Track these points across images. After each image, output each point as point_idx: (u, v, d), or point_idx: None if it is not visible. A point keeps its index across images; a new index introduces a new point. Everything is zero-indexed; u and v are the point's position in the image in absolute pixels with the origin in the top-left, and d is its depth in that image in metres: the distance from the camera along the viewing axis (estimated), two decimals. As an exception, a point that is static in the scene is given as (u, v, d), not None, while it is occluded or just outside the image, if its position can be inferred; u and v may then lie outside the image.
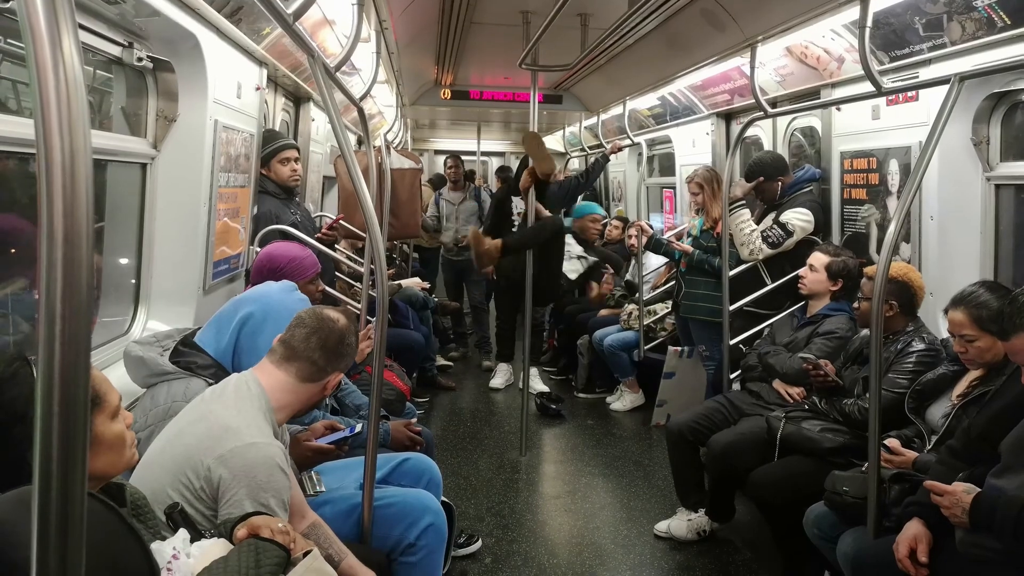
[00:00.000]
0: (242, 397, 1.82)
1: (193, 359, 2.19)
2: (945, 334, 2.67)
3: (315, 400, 1.97)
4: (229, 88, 3.08)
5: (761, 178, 4.05)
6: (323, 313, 1.97)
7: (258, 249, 3.40)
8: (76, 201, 0.62)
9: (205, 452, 1.70)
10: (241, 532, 1.39)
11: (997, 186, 3.02)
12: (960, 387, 2.54)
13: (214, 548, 1.34)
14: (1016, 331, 1.92)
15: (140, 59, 2.58)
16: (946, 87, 2.34)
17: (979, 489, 1.98)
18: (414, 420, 3.26)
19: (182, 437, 1.77)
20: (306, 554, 1.40)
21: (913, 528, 2.12)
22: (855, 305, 3.17)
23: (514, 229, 5.90)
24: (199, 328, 2.32)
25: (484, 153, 11.61)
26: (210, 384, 2.09)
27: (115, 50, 2.52)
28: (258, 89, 3.43)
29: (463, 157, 7.63)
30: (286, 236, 3.48)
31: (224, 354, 2.22)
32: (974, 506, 1.94)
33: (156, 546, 1.30)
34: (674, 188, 6.48)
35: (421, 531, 2.27)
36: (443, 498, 2.59)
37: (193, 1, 2.49)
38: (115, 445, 1.33)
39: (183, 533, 1.36)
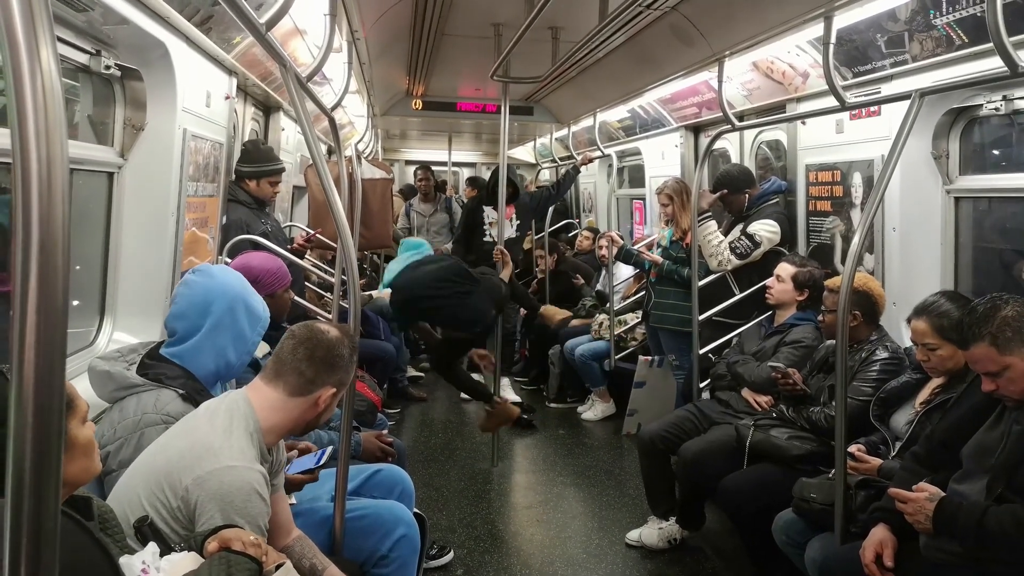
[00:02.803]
0: (232, 416, 1.79)
1: (162, 371, 2.16)
2: (908, 343, 2.74)
3: (308, 418, 1.90)
4: (198, 97, 3.05)
5: (725, 190, 4.12)
6: (313, 325, 1.93)
7: (227, 259, 3.37)
8: (52, 209, 0.61)
9: (184, 471, 1.67)
10: (212, 545, 1.38)
11: (956, 199, 3.11)
12: (923, 394, 2.60)
13: (184, 562, 1.32)
14: (975, 340, 1.97)
15: (108, 67, 2.55)
16: (907, 102, 2.40)
17: (943, 494, 2.03)
18: (386, 431, 3.25)
19: (166, 450, 1.75)
20: (279, 567, 1.39)
21: (879, 533, 2.16)
22: (819, 318, 3.23)
23: (485, 239, 5.93)
24: (163, 341, 2.28)
25: (455, 164, 11.62)
26: (180, 394, 2.06)
27: (82, 58, 2.48)
28: (228, 98, 3.40)
29: (434, 168, 7.63)
30: (257, 246, 3.45)
31: (197, 353, 2.18)
32: (937, 511, 1.98)
33: (125, 560, 1.28)
34: (644, 199, 6.55)
35: (394, 543, 2.25)
36: (415, 509, 2.57)
37: (163, 9, 2.47)
38: (87, 450, 1.32)
39: (152, 547, 1.34)
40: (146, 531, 1.37)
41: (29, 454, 0.62)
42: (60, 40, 2.32)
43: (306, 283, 4.47)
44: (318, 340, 1.87)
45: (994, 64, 2.16)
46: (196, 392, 2.09)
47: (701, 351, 4.01)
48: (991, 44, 2.02)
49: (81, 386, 2.22)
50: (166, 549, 1.36)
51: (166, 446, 1.76)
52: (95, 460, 1.35)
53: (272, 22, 1.85)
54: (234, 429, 1.77)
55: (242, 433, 1.77)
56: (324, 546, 2.13)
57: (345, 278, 2.95)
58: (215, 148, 3.32)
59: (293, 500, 2.23)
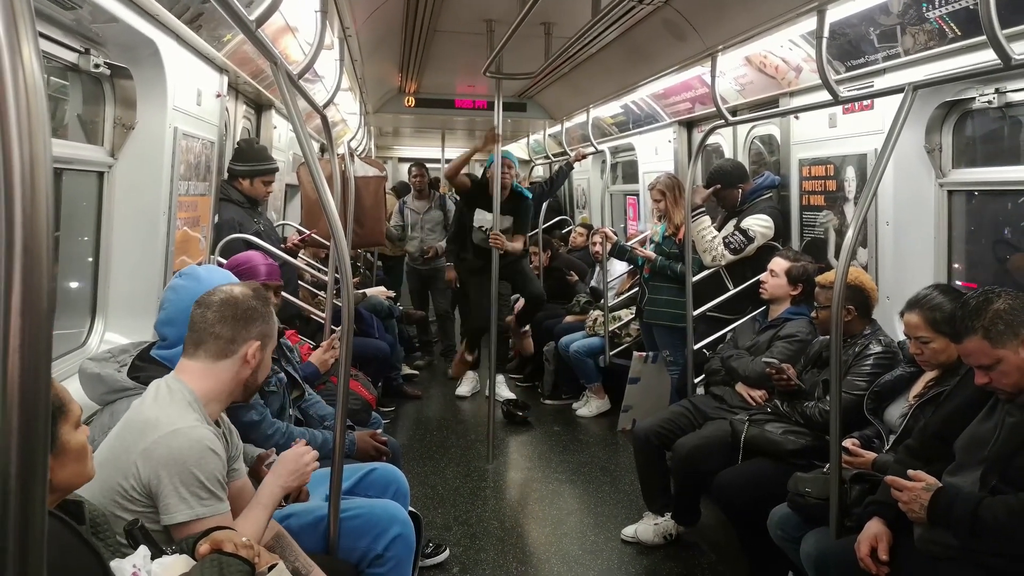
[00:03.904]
0: (161, 395, 1.78)
1: (153, 373, 2.14)
2: (901, 336, 2.74)
3: (243, 377, 1.87)
4: (189, 95, 3.03)
5: (718, 185, 4.12)
6: (216, 288, 1.90)
7: (220, 259, 3.35)
8: (36, 210, 0.60)
9: (129, 451, 1.66)
10: (203, 547, 1.37)
11: (950, 192, 3.11)
12: (916, 388, 2.60)
13: (176, 564, 1.31)
14: (967, 334, 1.97)
15: (97, 66, 2.53)
16: (900, 96, 2.40)
17: (940, 484, 2.03)
18: (380, 430, 3.24)
19: (109, 443, 1.74)
20: (271, 568, 1.38)
21: (873, 527, 2.16)
22: (813, 314, 3.23)
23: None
24: (155, 342, 2.26)
25: (448, 161, 11.58)
26: None
27: (71, 56, 2.46)
28: (219, 96, 3.38)
29: (427, 165, 7.61)
30: (250, 245, 3.43)
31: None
32: (932, 502, 1.99)
33: (116, 564, 1.27)
34: (637, 195, 6.54)
35: (389, 542, 2.24)
36: (410, 508, 2.57)
37: (152, 7, 2.45)
38: (80, 455, 1.31)
39: (144, 550, 1.33)
40: (137, 534, 1.36)
41: (15, 458, 0.61)
42: (48, 38, 2.31)
43: (300, 282, 4.46)
44: (224, 300, 1.85)
45: (987, 57, 2.16)
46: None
47: (695, 346, 4.01)
48: (984, 37, 2.02)
49: (72, 388, 2.21)
50: (157, 552, 1.35)
51: (110, 441, 1.75)
52: (88, 465, 1.34)
53: (262, 19, 1.84)
54: (171, 401, 1.76)
55: (178, 402, 1.76)
56: (318, 546, 2.13)
57: (338, 276, 2.95)
58: (206, 146, 3.30)
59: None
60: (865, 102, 3.27)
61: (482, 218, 5.15)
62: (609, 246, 4.86)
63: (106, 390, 2.09)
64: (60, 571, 1.09)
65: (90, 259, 2.86)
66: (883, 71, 3.08)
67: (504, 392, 5.62)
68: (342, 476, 2.17)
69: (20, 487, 0.61)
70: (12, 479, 0.61)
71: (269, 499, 1.88)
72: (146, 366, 2.16)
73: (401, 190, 7.73)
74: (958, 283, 3.04)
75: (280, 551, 1.78)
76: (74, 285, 2.86)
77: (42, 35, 2.26)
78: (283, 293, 3.32)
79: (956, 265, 3.16)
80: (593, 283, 6.12)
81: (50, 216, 0.61)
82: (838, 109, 3.45)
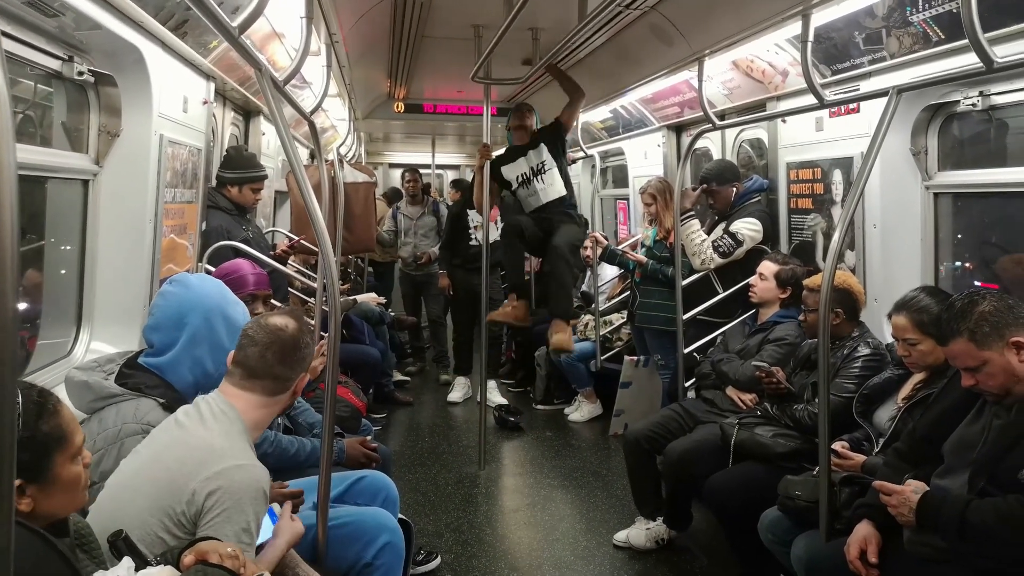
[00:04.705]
0: (220, 421, 1.80)
1: (141, 380, 2.13)
2: (889, 339, 2.75)
3: (286, 405, 1.98)
4: (175, 102, 3.02)
5: (712, 183, 4.11)
6: (270, 324, 1.91)
7: (207, 266, 3.34)
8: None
9: (190, 476, 1.66)
10: (188, 559, 1.35)
11: (936, 194, 3.12)
12: (905, 390, 2.61)
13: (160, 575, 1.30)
14: (953, 336, 1.97)
15: (81, 73, 2.52)
16: (885, 99, 2.41)
17: (928, 488, 2.03)
18: (370, 437, 3.22)
19: (161, 462, 1.73)
20: (257, 578, 1.36)
21: (863, 530, 2.16)
22: (801, 317, 3.24)
23: (471, 243, 5.91)
24: (142, 351, 2.25)
25: (439, 166, 11.58)
26: (160, 403, 2.04)
27: (55, 64, 2.45)
28: (205, 103, 3.37)
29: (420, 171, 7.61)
30: (238, 253, 3.42)
31: (176, 366, 2.17)
32: (921, 505, 1.99)
33: (100, 575, 1.25)
34: (627, 199, 6.55)
35: (378, 550, 2.23)
36: (400, 515, 2.55)
37: (136, 14, 2.44)
38: (70, 487, 1.30)
39: (127, 562, 1.31)
40: (120, 546, 1.34)
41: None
42: (31, 46, 2.29)
43: (289, 289, 4.44)
44: (283, 341, 1.88)
45: (970, 60, 2.17)
46: (175, 402, 2.06)
47: (686, 350, 4.01)
48: (967, 40, 2.03)
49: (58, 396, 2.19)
50: (141, 564, 1.33)
51: (160, 457, 1.74)
52: (78, 497, 1.34)
53: (245, 25, 1.83)
54: (231, 432, 1.79)
55: (238, 434, 1.80)
56: (307, 555, 2.10)
57: (327, 282, 2.93)
58: (193, 153, 3.28)
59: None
60: (851, 105, 3.28)
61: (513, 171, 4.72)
62: (600, 250, 4.86)
63: (93, 397, 2.08)
64: None
65: (75, 268, 2.83)
66: (868, 75, 3.09)
67: (496, 398, 5.61)
68: (330, 484, 2.15)
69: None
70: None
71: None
72: (134, 373, 2.15)
73: (392, 196, 7.71)
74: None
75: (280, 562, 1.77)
76: (59, 294, 2.84)
77: (25, 43, 2.25)
78: (272, 300, 3.30)
79: (947, 264, 3.17)
80: (584, 287, 6.12)
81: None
82: (825, 113, 3.46)
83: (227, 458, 1.69)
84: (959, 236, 3.12)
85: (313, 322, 3.88)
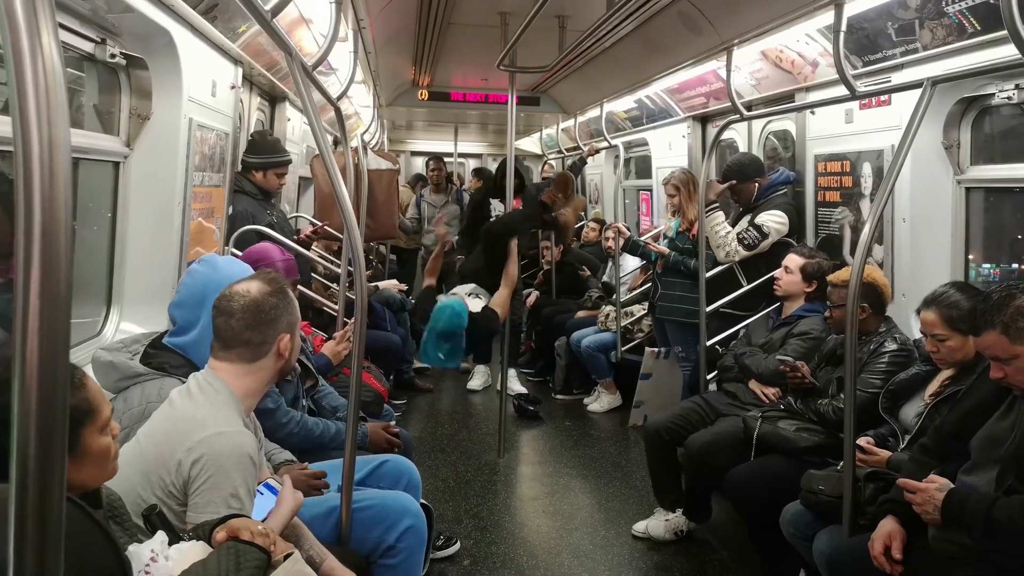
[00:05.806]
0: (206, 392, 1.81)
1: (165, 359, 2.17)
2: (917, 334, 2.72)
3: (278, 367, 1.91)
4: (204, 86, 3.04)
5: (734, 181, 4.08)
6: (233, 291, 1.88)
7: (234, 250, 3.37)
8: (55, 196, 0.61)
9: (175, 446, 1.68)
10: (220, 535, 1.37)
11: (967, 189, 3.07)
12: (932, 386, 2.58)
13: (193, 551, 1.32)
14: (987, 328, 1.95)
15: (113, 56, 2.55)
16: (918, 91, 2.38)
17: (952, 485, 2.01)
18: (392, 422, 3.24)
19: (151, 436, 1.76)
20: (287, 556, 1.38)
21: (887, 526, 2.14)
22: (827, 313, 3.20)
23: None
24: (166, 331, 2.28)
25: (461, 155, 11.59)
26: (183, 383, 2.07)
27: (87, 46, 2.48)
28: (233, 87, 3.39)
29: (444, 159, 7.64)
30: (263, 237, 3.44)
31: (199, 346, 2.19)
32: (946, 503, 1.97)
33: (133, 548, 1.27)
34: (651, 190, 6.52)
35: (400, 533, 2.25)
36: (422, 500, 2.57)
37: (168, -3, 2.46)
38: (100, 458, 1.32)
39: (161, 536, 1.33)
40: (155, 520, 1.37)
41: (33, 441, 0.62)
42: (65, 28, 2.32)
43: (312, 274, 4.47)
44: (246, 306, 1.84)
45: (1008, 52, 2.13)
46: (200, 381, 2.08)
47: (708, 343, 3.99)
48: (1005, 31, 1.99)
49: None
50: (175, 538, 1.35)
51: (151, 432, 1.77)
52: (108, 468, 1.36)
53: (277, 9, 1.84)
54: (216, 401, 1.79)
55: (223, 403, 1.80)
56: (330, 537, 2.13)
57: (351, 269, 2.95)
58: (220, 138, 3.31)
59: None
60: (882, 97, 3.23)
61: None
62: (622, 241, 4.84)
63: (119, 377, 2.11)
64: (74, 556, 1.09)
65: (106, 249, 2.87)
66: (901, 66, 3.04)
67: (515, 386, 5.62)
68: (355, 467, 2.18)
69: (39, 470, 0.62)
70: (31, 460, 0.61)
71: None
72: (159, 353, 2.18)
73: (415, 182, 7.73)
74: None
75: (293, 539, 1.79)
76: (90, 274, 2.88)
77: (59, 25, 2.27)
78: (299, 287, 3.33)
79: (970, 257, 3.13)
80: (605, 278, 6.11)
81: (68, 201, 0.62)
82: (855, 104, 3.41)
83: (208, 426, 1.70)
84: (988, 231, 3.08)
85: (336, 308, 3.92)
